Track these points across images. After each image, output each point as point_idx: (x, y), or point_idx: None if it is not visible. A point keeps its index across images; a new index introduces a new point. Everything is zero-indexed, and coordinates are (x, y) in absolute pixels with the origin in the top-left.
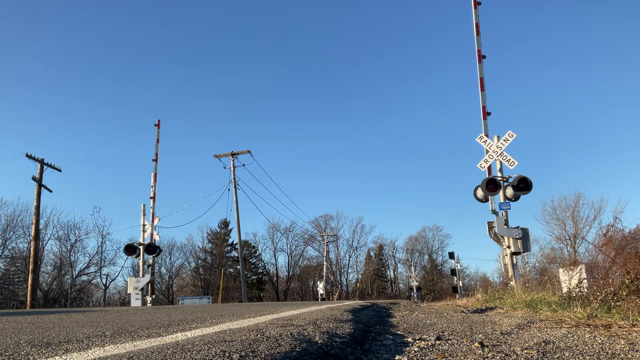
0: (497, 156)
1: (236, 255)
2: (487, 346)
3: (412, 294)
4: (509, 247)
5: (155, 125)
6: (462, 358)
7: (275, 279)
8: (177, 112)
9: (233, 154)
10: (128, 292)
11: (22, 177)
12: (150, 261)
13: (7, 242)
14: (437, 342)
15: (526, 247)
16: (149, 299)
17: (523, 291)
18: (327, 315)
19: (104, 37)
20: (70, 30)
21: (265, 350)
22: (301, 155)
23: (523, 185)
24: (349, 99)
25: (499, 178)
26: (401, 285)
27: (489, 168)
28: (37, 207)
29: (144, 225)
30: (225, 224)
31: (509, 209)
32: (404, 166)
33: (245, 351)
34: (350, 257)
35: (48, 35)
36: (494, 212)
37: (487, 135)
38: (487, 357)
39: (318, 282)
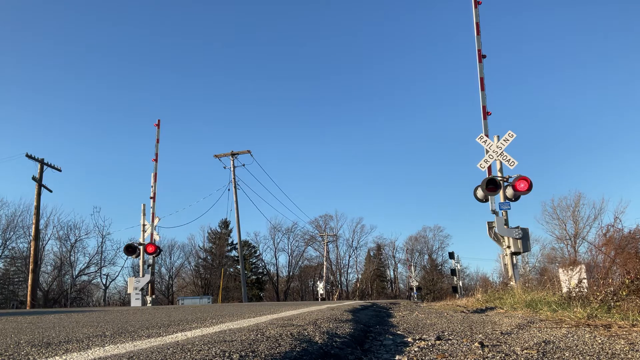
0: (497, 156)
1: (236, 255)
2: (487, 346)
3: (412, 294)
4: (509, 247)
5: (155, 125)
6: (462, 358)
7: (275, 278)
8: (178, 112)
9: (233, 154)
10: (128, 292)
11: (23, 177)
12: (151, 261)
13: (8, 242)
14: (437, 342)
15: (526, 247)
16: (149, 299)
17: (523, 291)
18: (327, 315)
19: (105, 40)
20: (71, 33)
21: (266, 350)
22: (301, 156)
23: (523, 185)
24: (348, 101)
25: (499, 178)
26: (401, 285)
27: (489, 168)
28: (37, 207)
29: (144, 225)
30: (225, 224)
31: (509, 209)
32: (404, 166)
33: (245, 351)
34: (350, 257)
35: (48, 39)
36: (494, 212)
37: (487, 135)
38: (487, 357)
39: (318, 282)
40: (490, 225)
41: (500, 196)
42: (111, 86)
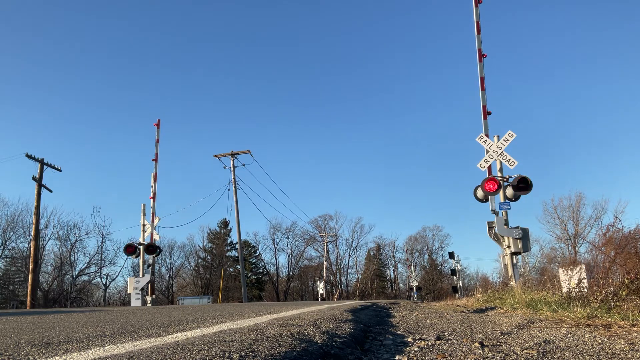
0: (497, 156)
1: (236, 255)
2: (487, 346)
3: (412, 294)
4: (509, 247)
5: (155, 125)
6: (462, 358)
7: (275, 278)
8: (178, 112)
9: (233, 154)
10: (128, 292)
11: (23, 177)
12: (150, 261)
13: (7, 242)
14: (437, 342)
15: (526, 247)
16: (149, 299)
17: (523, 291)
18: (327, 315)
19: (105, 40)
20: (71, 33)
21: (265, 350)
22: (301, 156)
23: (523, 185)
24: (348, 101)
25: (499, 178)
26: (401, 285)
27: (489, 168)
28: (37, 207)
29: (144, 225)
30: (224, 223)
31: (509, 209)
32: (404, 166)
33: (245, 351)
34: (350, 257)
35: (48, 39)
36: (494, 212)
37: (487, 135)
38: (487, 357)
39: (318, 282)
40: (490, 225)
41: (500, 196)
42: (111, 86)
